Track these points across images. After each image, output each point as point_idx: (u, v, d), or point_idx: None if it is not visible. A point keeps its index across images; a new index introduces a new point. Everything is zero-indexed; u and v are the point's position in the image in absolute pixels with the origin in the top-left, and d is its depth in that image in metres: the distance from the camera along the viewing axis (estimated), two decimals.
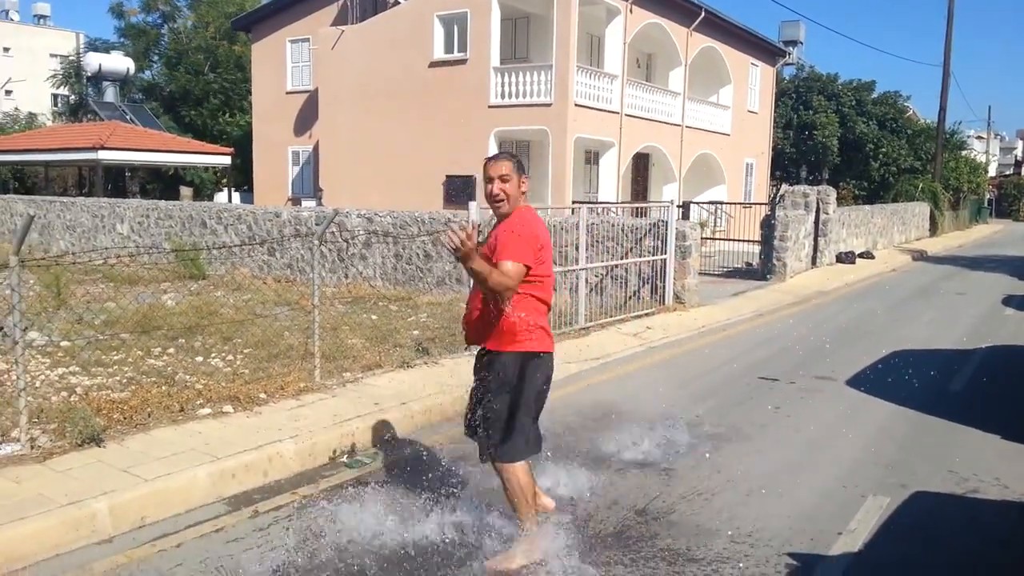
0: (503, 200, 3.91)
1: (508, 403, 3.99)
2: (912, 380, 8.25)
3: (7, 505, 4.32)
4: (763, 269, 16.08)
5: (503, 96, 20.46)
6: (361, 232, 13.17)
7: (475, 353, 4.32)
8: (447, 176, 20.96)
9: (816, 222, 17.64)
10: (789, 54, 34.46)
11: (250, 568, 4.06)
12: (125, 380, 6.96)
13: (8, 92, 49.66)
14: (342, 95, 22.94)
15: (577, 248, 10.63)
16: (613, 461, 5.69)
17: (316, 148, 24.81)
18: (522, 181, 4.00)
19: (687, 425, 6.50)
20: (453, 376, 7.23)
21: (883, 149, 37.98)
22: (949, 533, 4.62)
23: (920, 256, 23.05)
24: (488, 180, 3.93)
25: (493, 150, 20.75)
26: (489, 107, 20.51)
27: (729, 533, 4.51)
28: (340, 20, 24.20)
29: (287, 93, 26.20)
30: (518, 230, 3.87)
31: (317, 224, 13.51)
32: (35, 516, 4.23)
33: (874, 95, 39.91)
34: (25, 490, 4.53)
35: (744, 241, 18.31)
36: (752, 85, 29.26)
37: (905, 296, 15.10)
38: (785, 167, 39.38)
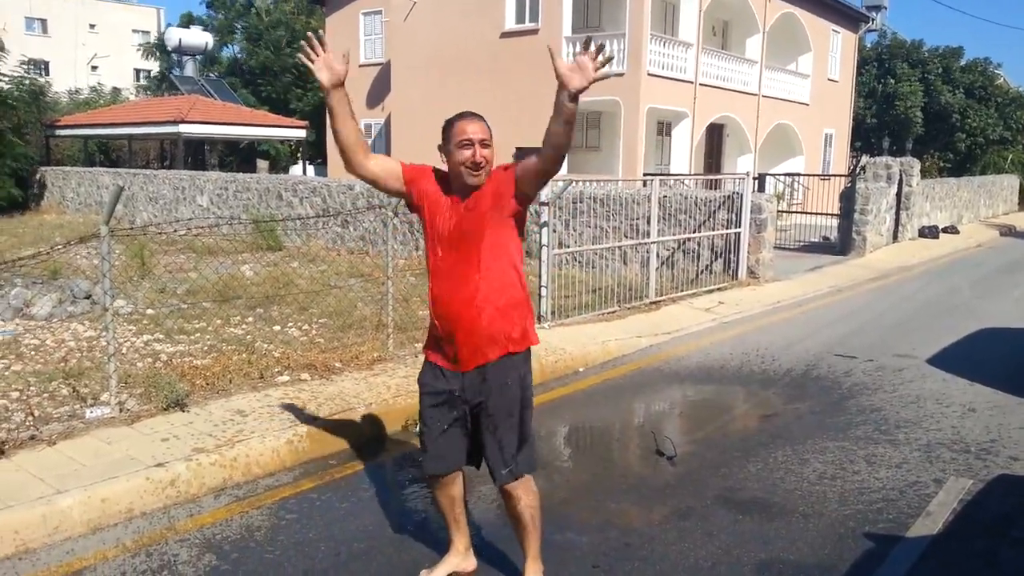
0: (483, 168, 3.21)
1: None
2: (998, 359, 7.96)
3: (99, 465, 4.53)
4: (842, 243, 15.64)
5: None
6: None
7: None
8: (517, 148, 20.83)
9: (898, 195, 17.03)
10: (872, 20, 33.04)
11: (327, 530, 4.18)
12: (207, 347, 7.20)
13: (94, 68, 51.35)
14: (414, 67, 23.03)
15: (648, 221, 10.50)
16: (683, 438, 5.65)
17: (388, 121, 25.02)
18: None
19: (760, 403, 6.41)
20: None
21: (970, 119, 36.36)
22: None
23: (1008, 231, 22.08)
24: (466, 144, 3.18)
25: None
26: None
27: (803, 511, 4.44)
28: None
29: (360, 66, 26.42)
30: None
31: (389, 197, 13.64)
32: (125, 476, 4.42)
33: (962, 62, 38.12)
34: (115, 451, 4.74)
35: (822, 214, 17.82)
36: (833, 52, 28.27)
37: (991, 272, 14.51)
38: (866, 138, 38.05)
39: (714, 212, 11.37)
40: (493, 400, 3.29)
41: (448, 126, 3.24)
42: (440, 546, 3.93)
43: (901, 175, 16.99)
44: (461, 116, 3.26)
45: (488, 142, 3.21)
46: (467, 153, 3.17)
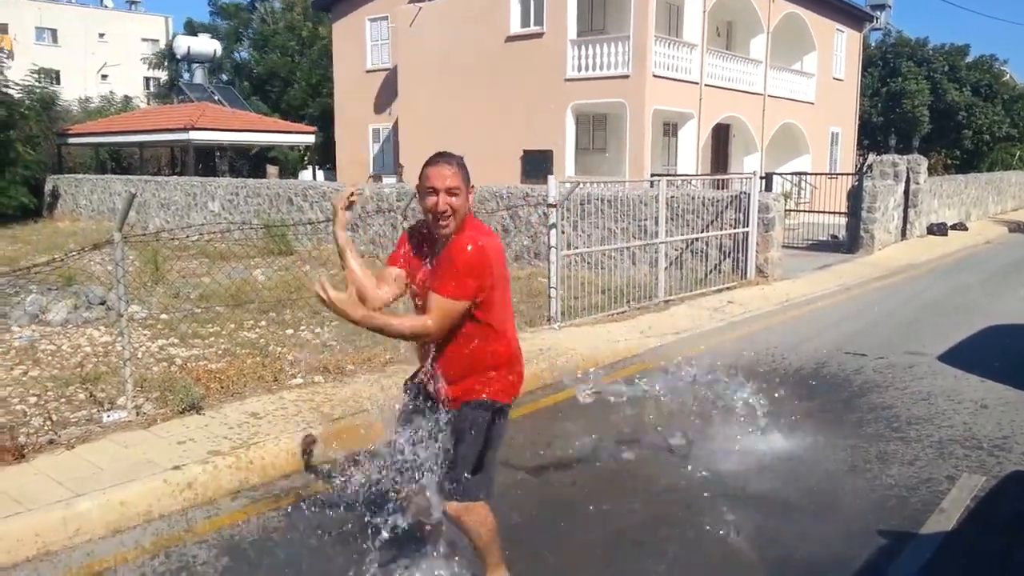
0: (450, 217, 3.10)
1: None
2: (1008, 356, 7.95)
3: (117, 468, 4.59)
4: (849, 242, 15.63)
5: (580, 69, 20.28)
6: None
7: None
8: (524, 151, 20.95)
9: (906, 192, 17.02)
10: (877, 18, 33.07)
11: (343, 531, 4.22)
12: (221, 351, 7.26)
13: (104, 76, 51.66)
14: (420, 72, 23.12)
15: (656, 222, 10.53)
16: (694, 437, 5.68)
17: (395, 125, 25.11)
18: (470, 191, 3.19)
19: (773, 403, 6.41)
20: (531, 349, 7.30)
21: (976, 117, 36.26)
22: None
23: (1017, 228, 22.01)
24: (431, 192, 3.08)
25: (570, 124, 20.64)
26: (566, 80, 20.37)
27: (815, 509, 4.47)
28: None
29: (367, 71, 26.55)
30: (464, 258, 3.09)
31: (399, 200, 13.71)
32: (143, 479, 4.47)
33: (968, 60, 38.06)
34: (133, 454, 4.80)
35: (830, 213, 17.80)
36: (837, 51, 28.23)
37: (1000, 269, 14.48)
38: (873, 136, 38.00)
39: (722, 212, 11.39)
40: None
41: (422, 169, 3.15)
42: (453, 544, 3.97)
43: (908, 173, 16.97)
44: (432, 160, 3.16)
45: (456, 189, 3.08)
46: (428, 200, 3.11)
